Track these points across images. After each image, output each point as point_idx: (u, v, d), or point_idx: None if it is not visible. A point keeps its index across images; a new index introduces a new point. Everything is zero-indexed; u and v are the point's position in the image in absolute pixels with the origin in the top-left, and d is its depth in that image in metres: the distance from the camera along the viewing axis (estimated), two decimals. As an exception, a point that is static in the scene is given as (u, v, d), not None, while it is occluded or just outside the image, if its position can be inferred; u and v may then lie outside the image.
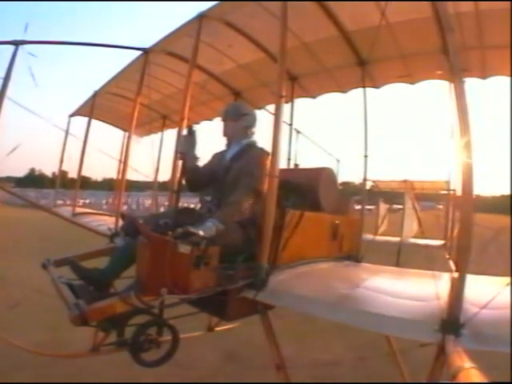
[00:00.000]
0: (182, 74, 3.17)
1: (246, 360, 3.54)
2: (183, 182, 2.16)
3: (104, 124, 5.53)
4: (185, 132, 2.17)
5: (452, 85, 1.60)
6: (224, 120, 2.31)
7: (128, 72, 3.72)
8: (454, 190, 4.71)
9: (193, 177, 2.24)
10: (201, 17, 2.49)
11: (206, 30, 2.57)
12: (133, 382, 2.80)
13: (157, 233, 1.76)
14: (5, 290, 5.04)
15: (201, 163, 2.32)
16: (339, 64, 3.31)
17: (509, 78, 2.80)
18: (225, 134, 2.34)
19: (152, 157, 4.71)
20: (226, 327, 3.56)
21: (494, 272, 2.13)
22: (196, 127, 2.20)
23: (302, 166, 3.80)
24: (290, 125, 3.86)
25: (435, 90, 3.23)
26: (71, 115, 5.15)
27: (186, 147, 2.14)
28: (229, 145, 2.35)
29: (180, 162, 2.17)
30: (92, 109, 4.69)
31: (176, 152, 2.70)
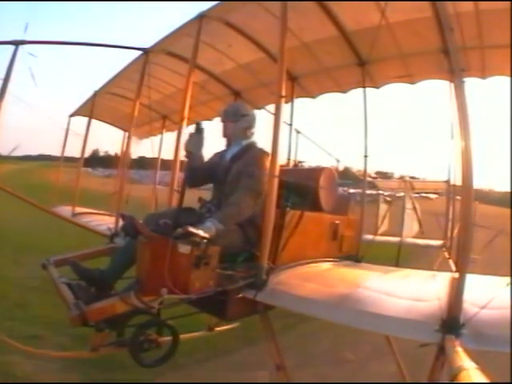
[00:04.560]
0: (182, 74, 3.16)
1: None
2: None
3: (104, 124, 5.53)
4: (192, 130, 2.06)
5: (452, 85, 1.60)
6: (223, 121, 2.30)
7: (128, 72, 3.71)
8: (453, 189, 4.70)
9: (194, 175, 2.24)
10: (201, 17, 2.49)
11: (206, 29, 2.57)
12: (132, 382, 2.80)
13: (157, 233, 1.76)
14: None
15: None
16: (339, 64, 3.30)
17: (509, 78, 2.80)
18: (224, 135, 2.34)
19: (152, 156, 4.75)
20: (226, 327, 3.56)
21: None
22: (203, 124, 2.06)
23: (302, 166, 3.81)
24: (290, 125, 3.86)
25: (435, 90, 3.23)
26: (71, 115, 5.15)
27: (193, 146, 2.05)
28: (228, 145, 2.35)
29: (186, 161, 2.10)
30: (92, 109, 4.69)
31: (175, 151, 2.69)
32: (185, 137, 2.12)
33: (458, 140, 1.57)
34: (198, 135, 2.03)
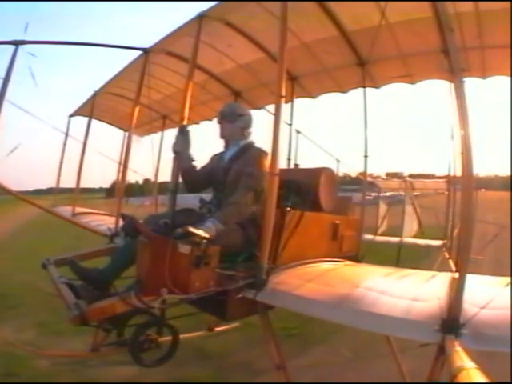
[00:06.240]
0: (182, 74, 3.16)
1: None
2: (179, 182, 2.16)
3: (104, 124, 5.52)
4: (178, 132, 2.13)
5: (452, 85, 1.60)
6: (220, 122, 2.31)
7: (128, 72, 3.71)
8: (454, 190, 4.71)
9: (189, 177, 2.24)
10: (201, 17, 2.49)
11: (206, 29, 2.56)
12: (133, 382, 2.80)
13: (157, 233, 1.76)
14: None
15: (198, 163, 2.32)
16: (339, 64, 3.30)
17: (509, 78, 2.80)
18: (222, 136, 2.34)
19: (152, 157, 4.75)
20: (226, 327, 3.56)
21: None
22: (189, 127, 2.16)
23: (302, 166, 3.81)
24: (290, 125, 3.86)
25: (435, 90, 3.23)
26: (71, 115, 5.14)
27: (179, 147, 2.10)
28: (227, 146, 2.35)
29: (175, 163, 2.14)
30: (92, 109, 4.68)
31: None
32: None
33: (458, 140, 1.57)
34: (183, 137, 2.08)
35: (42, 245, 7.51)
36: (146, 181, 5.79)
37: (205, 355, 3.38)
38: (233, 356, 3.28)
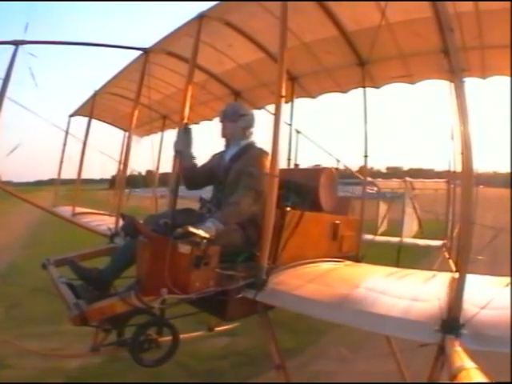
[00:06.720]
0: (182, 74, 3.16)
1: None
2: (181, 180, 2.17)
3: (104, 124, 5.53)
4: (180, 130, 2.15)
5: (452, 85, 1.60)
6: (222, 121, 2.31)
7: (128, 72, 3.71)
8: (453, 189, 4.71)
9: (190, 175, 2.25)
10: (201, 17, 2.49)
11: (206, 29, 2.57)
12: (133, 382, 2.80)
13: (157, 233, 1.76)
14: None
15: (199, 162, 2.33)
16: (339, 64, 3.30)
17: (509, 78, 2.81)
18: (223, 135, 2.34)
19: (152, 157, 4.75)
20: (225, 327, 3.56)
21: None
22: (191, 125, 2.19)
23: (302, 166, 3.82)
24: (290, 125, 3.86)
25: (435, 90, 3.23)
26: (71, 115, 5.14)
27: (181, 145, 2.12)
28: (228, 145, 2.35)
29: (176, 161, 2.16)
30: (92, 109, 4.68)
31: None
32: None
33: (458, 140, 1.57)
34: (185, 135, 2.09)
35: (72, 238, 7.41)
36: (149, 172, 5.84)
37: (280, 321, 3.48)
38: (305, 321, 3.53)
